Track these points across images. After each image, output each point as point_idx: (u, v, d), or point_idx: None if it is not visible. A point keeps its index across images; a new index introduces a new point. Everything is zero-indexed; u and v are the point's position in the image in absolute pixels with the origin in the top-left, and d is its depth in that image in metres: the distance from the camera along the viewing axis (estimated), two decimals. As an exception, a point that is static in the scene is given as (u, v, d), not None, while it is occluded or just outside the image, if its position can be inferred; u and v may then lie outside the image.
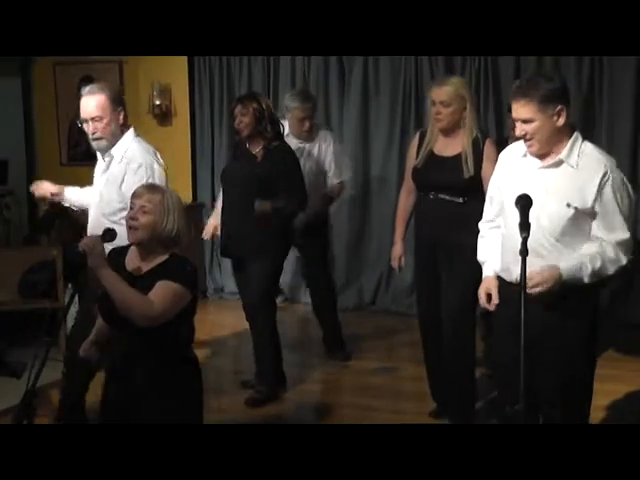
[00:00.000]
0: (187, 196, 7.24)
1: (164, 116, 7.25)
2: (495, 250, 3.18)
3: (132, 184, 3.56)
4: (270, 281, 4.61)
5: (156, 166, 3.94)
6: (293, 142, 5.10)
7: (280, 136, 4.65)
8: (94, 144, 3.87)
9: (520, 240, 2.68)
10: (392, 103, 6.63)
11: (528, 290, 2.70)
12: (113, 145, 3.87)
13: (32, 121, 7.50)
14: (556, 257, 2.97)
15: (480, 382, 4.43)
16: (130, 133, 3.96)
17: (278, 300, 5.15)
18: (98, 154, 3.98)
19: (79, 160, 6.98)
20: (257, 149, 4.57)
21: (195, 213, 7.18)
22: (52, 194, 4.07)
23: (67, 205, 4.18)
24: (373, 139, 6.74)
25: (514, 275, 2.96)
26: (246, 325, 4.78)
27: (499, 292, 3.11)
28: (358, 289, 6.83)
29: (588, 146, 3.02)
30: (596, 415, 3.53)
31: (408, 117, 6.57)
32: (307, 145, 5.24)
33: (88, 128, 3.82)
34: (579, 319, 3.06)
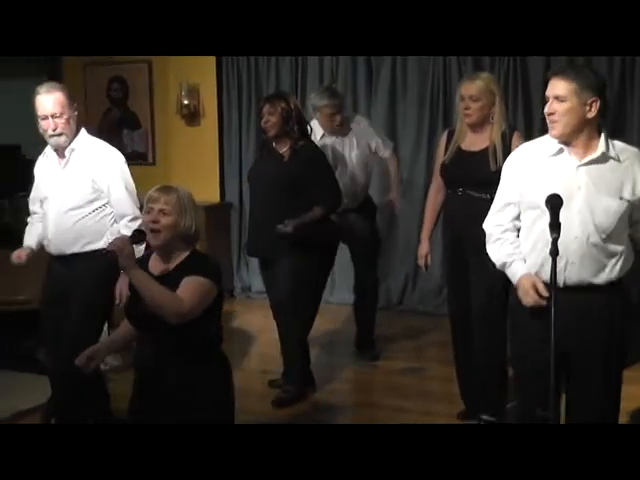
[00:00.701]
0: (214, 196, 7.27)
1: (192, 116, 7.28)
2: (519, 250, 3.10)
3: (113, 174, 3.89)
4: (297, 280, 4.59)
5: (121, 155, 4.05)
6: (330, 140, 5.11)
7: (307, 136, 4.65)
8: (53, 140, 3.89)
9: (572, 240, 2.72)
10: (420, 104, 6.60)
11: None
12: (71, 142, 3.91)
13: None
14: (607, 255, 2.93)
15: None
16: (84, 130, 4.02)
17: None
18: (50, 152, 3.99)
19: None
20: (284, 149, 4.56)
21: (223, 212, 7.22)
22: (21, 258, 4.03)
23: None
24: (401, 140, 6.70)
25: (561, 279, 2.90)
26: (274, 324, 4.78)
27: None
28: (386, 289, 6.79)
29: (616, 142, 3.01)
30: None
31: (436, 118, 6.54)
32: (346, 138, 5.24)
33: (48, 125, 3.85)
34: (617, 317, 3.01)
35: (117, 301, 3.79)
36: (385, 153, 5.41)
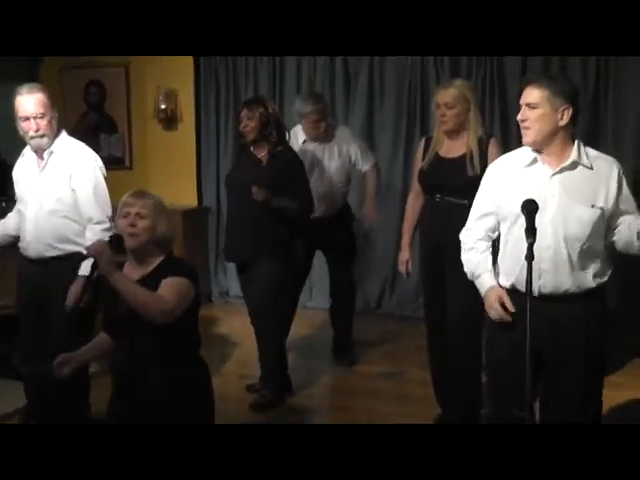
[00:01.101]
0: (192, 200, 7.26)
1: (170, 120, 7.26)
2: (489, 260, 3.15)
3: (87, 177, 3.89)
4: (274, 285, 4.60)
5: (98, 158, 4.05)
6: (312, 146, 5.12)
7: (285, 141, 4.66)
8: (34, 142, 3.88)
9: (545, 248, 2.78)
10: (397, 110, 6.64)
11: None
12: (52, 143, 3.91)
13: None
14: (582, 263, 2.97)
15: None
16: (64, 132, 4.02)
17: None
18: (28, 153, 3.98)
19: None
20: (262, 153, 4.58)
21: (200, 217, 7.21)
22: None
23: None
24: (378, 146, 6.72)
25: (536, 287, 2.93)
26: (252, 329, 4.79)
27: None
28: (363, 293, 6.81)
29: (591, 150, 3.05)
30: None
31: (413, 124, 6.58)
32: (327, 145, 5.23)
33: (29, 126, 3.84)
34: (594, 325, 3.05)
35: (68, 302, 3.77)
36: (364, 167, 5.36)
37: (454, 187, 4.05)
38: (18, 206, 4.07)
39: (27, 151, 4.00)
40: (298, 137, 5.15)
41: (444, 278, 4.13)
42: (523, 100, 3.00)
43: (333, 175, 5.19)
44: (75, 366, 2.99)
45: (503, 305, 3.04)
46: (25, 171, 4.00)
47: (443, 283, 4.15)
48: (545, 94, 2.93)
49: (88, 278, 2.91)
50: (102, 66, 7.27)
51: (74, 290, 3.72)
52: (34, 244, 3.92)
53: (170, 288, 2.83)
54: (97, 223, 3.90)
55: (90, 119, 7.52)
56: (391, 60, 6.60)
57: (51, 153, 3.92)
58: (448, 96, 4.08)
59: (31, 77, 7.32)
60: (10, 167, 4.19)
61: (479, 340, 4.14)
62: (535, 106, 2.95)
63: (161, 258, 2.95)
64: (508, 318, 3.03)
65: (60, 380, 3.00)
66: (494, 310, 3.06)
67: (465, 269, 3.24)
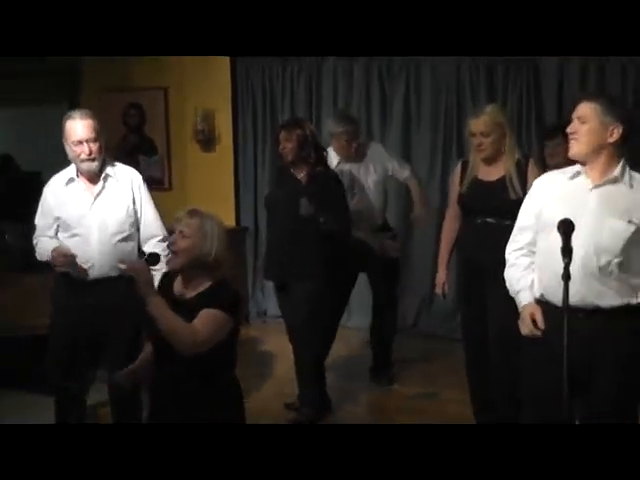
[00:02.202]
0: (230, 220, 7.33)
1: (208, 142, 7.35)
2: (529, 278, 3.18)
3: (145, 197, 4.07)
4: (313, 304, 4.65)
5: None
6: (347, 166, 5.17)
7: (324, 161, 4.72)
8: (86, 165, 3.94)
9: (577, 259, 2.77)
10: (434, 128, 6.67)
11: None
12: (100, 167, 3.98)
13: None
14: (616, 278, 2.98)
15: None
16: (108, 157, 4.11)
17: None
18: (77, 180, 4.01)
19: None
20: (301, 174, 4.64)
21: (238, 237, 7.28)
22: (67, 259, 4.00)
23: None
24: (415, 166, 6.72)
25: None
26: (289, 347, 4.83)
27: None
28: (400, 311, 6.81)
29: (635, 173, 3.08)
30: None
31: (450, 144, 6.61)
32: (362, 164, 5.28)
33: (82, 149, 3.91)
34: (628, 340, 3.04)
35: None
36: (403, 174, 5.43)
37: (495, 210, 4.08)
38: (71, 229, 4.02)
39: (72, 174, 4.02)
40: (331, 158, 5.19)
41: (484, 298, 4.15)
42: (575, 114, 3.06)
43: (371, 192, 5.23)
44: (137, 377, 3.04)
45: (534, 321, 3.07)
46: (75, 196, 4.02)
47: (484, 302, 4.16)
48: (596, 110, 2.99)
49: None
50: (141, 89, 7.41)
51: None
52: (99, 266, 3.97)
53: (205, 320, 2.80)
54: (161, 240, 4.02)
55: (130, 141, 7.64)
56: (427, 80, 6.66)
57: (108, 177, 4.01)
58: (482, 125, 4.13)
59: (71, 100, 7.50)
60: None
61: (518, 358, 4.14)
62: (584, 120, 3.01)
63: (208, 284, 2.91)
64: (538, 333, 3.06)
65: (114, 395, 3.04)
66: (524, 325, 3.11)
67: (507, 285, 3.28)
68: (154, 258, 3.01)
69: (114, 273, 3.90)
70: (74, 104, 7.43)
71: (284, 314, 4.89)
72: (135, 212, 4.05)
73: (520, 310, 3.18)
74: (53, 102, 7.61)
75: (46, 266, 4.10)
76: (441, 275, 4.49)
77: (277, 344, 5.76)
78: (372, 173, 5.29)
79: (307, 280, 4.59)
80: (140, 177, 4.15)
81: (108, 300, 3.95)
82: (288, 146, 4.60)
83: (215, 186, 7.34)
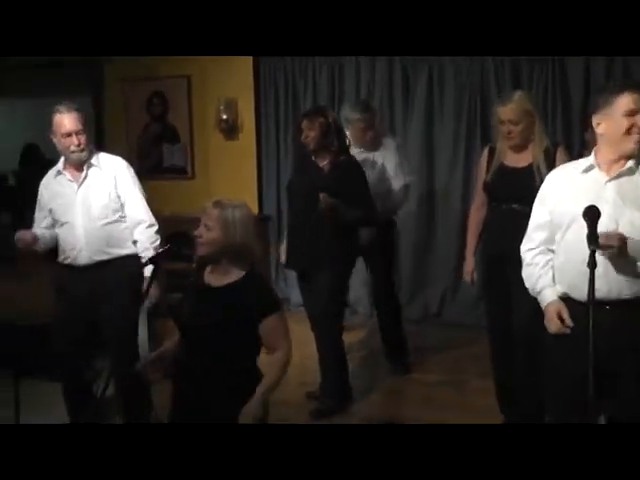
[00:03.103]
0: (253, 209, 7.32)
1: (230, 130, 7.36)
2: (549, 275, 3.14)
3: (128, 183, 4.16)
4: (335, 293, 4.64)
5: (130, 165, 4.30)
6: (356, 152, 5.12)
7: (347, 149, 4.69)
8: (75, 156, 4.06)
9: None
10: (457, 116, 6.62)
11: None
12: (89, 157, 4.10)
13: (103, 138, 7.72)
14: (631, 270, 2.92)
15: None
16: (94, 147, 4.22)
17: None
18: (63, 172, 4.14)
19: (148, 173, 7.15)
20: (324, 162, 4.62)
21: (261, 226, 7.27)
22: (27, 240, 4.12)
23: (43, 247, 4.23)
24: (438, 153, 6.74)
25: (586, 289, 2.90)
26: (312, 336, 4.82)
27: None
28: (424, 301, 6.82)
29: None
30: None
31: (474, 130, 6.56)
32: (372, 155, 5.23)
33: (72, 141, 4.02)
34: None
35: (149, 302, 4.06)
36: (395, 185, 5.24)
37: (521, 196, 4.02)
38: (58, 218, 4.17)
39: (60, 167, 4.17)
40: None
41: (509, 286, 4.11)
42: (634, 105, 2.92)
43: (374, 183, 5.05)
44: (157, 368, 3.08)
45: (561, 318, 3.04)
46: (62, 186, 4.16)
47: (508, 291, 4.12)
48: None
49: (152, 278, 3.27)
50: (164, 78, 7.42)
51: (153, 292, 3.84)
52: (86, 252, 4.09)
53: (277, 334, 2.95)
54: (149, 226, 4.16)
55: (153, 130, 7.65)
56: (450, 67, 6.60)
57: (91, 165, 4.12)
58: (511, 113, 4.07)
59: (95, 90, 7.54)
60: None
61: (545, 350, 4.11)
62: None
63: (241, 274, 2.95)
64: (566, 331, 3.03)
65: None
66: (553, 324, 3.07)
67: (526, 284, 3.23)
68: (166, 253, 3.10)
69: (103, 257, 4.07)
70: (96, 94, 7.49)
71: (306, 303, 4.88)
72: (118, 197, 4.12)
73: (543, 308, 3.13)
74: (77, 92, 7.64)
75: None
76: (469, 263, 4.46)
77: (300, 333, 5.71)
78: (376, 167, 5.20)
79: (327, 269, 4.57)
80: (125, 165, 4.24)
81: (99, 285, 4.06)
82: (310, 134, 4.58)
83: (238, 175, 7.34)
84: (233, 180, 7.27)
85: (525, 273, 3.24)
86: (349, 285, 5.17)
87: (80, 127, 4.04)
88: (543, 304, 3.14)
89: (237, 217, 2.95)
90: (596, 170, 3.01)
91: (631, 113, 2.90)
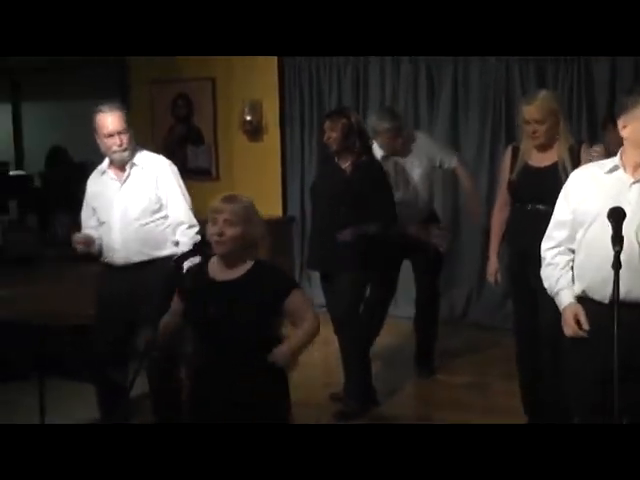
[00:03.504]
0: (277, 210, 7.36)
1: (255, 132, 7.38)
2: (569, 276, 3.11)
3: (172, 185, 4.10)
4: (357, 295, 4.63)
5: (175, 167, 4.24)
6: (392, 159, 5.11)
7: (369, 151, 4.69)
8: (118, 156, 4.04)
9: (624, 253, 2.67)
10: (482, 117, 6.61)
11: None
12: (131, 157, 4.07)
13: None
14: None
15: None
16: (138, 146, 4.18)
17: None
18: (106, 171, 4.13)
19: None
20: (346, 163, 4.61)
21: (285, 226, 7.29)
22: (86, 244, 4.13)
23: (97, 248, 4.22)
24: (463, 154, 6.70)
25: (608, 293, 2.88)
26: (335, 337, 4.81)
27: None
28: (449, 302, 6.80)
29: None
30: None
31: (498, 133, 6.53)
32: (406, 158, 5.21)
33: (114, 141, 4.00)
34: None
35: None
36: (451, 163, 5.36)
37: (546, 196, 3.99)
38: (100, 217, 4.17)
39: (105, 167, 4.15)
40: (376, 153, 5.10)
41: (536, 287, 4.08)
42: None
43: (417, 185, 5.16)
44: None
45: (578, 322, 3.02)
46: (105, 185, 4.15)
47: (534, 292, 4.09)
48: None
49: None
50: (189, 80, 7.45)
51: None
52: (123, 252, 4.07)
53: (305, 306, 2.97)
54: (190, 227, 4.10)
55: (178, 131, 7.71)
56: (475, 68, 6.58)
57: (133, 165, 4.09)
58: (536, 112, 4.03)
59: (121, 92, 7.58)
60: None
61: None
62: None
63: (251, 263, 2.95)
64: (583, 334, 3.01)
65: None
66: (569, 327, 3.06)
67: (545, 284, 3.21)
68: (200, 247, 3.05)
69: (142, 258, 4.03)
70: (122, 96, 7.53)
71: (328, 304, 4.85)
72: (159, 198, 4.08)
73: (561, 310, 3.11)
74: (103, 94, 7.69)
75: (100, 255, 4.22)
76: (492, 263, 4.43)
77: (325, 333, 5.71)
78: (417, 166, 5.20)
79: (349, 270, 4.56)
80: (167, 164, 4.19)
81: (139, 286, 4.02)
82: (333, 135, 4.57)
83: (262, 176, 7.36)
84: (257, 181, 7.28)
85: (544, 273, 3.22)
86: (393, 287, 5.22)
87: (122, 127, 4.01)
88: (561, 306, 3.12)
89: (253, 208, 2.98)
90: (621, 171, 2.99)
91: None
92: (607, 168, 3.02)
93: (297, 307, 2.94)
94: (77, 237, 4.11)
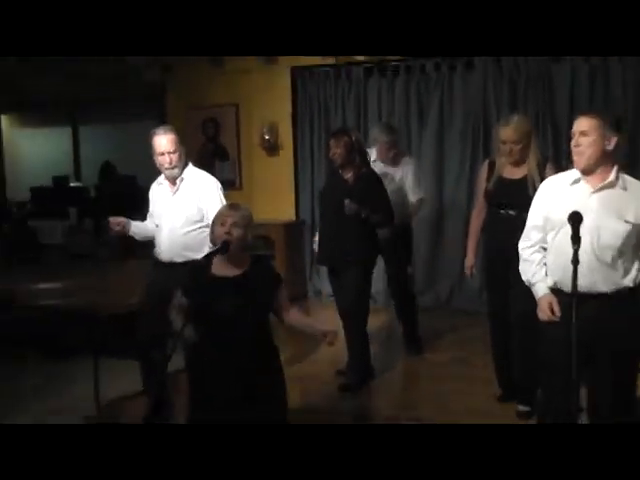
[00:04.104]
0: (290, 214, 7.37)
1: (272, 148, 7.41)
2: (543, 271, 3.12)
3: (213, 199, 4.05)
4: (361, 288, 4.64)
5: (218, 183, 4.20)
6: (379, 166, 5.13)
7: (368, 164, 4.70)
8: (168, 172, 4.06)
9: (583, 254, 2.70)
10: (463, 138, 6.63)
11: None
12: (181, 172, 4.08)
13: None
14: (616, 268, 2.93)
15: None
16: (190, 163, 4.18)
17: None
18: (162, 181, 4.15)
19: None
20: (348, 175, 4.63)
21: (297, 228, 7.30)
22: (121, 225, 4.15)
23: (131, 235, 4.25)
24: (447, 165, 6.74)
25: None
26: (341, 322, 4.81)
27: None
28: (435, 292, 6.81)
29: (626, 176, 3.01)
30: None
31: (477, 150, 6.55)
32: (392, 170, 5.24)
33: (165, 160, 4.01)
34: (629, 322, 2.98)
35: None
36: (413, 198, 5.27)
37: (516, 204, 4.00)
38: (155, 221, 4.24)
39: (161, 179, 4.19)
40: (371, 156, 5.10)
41: (507, 280, 4.08)
42: (576, 128, 2.96)
43: (392, 194, 4.97)
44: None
45: (552, 309, 3.04)
46: (160, 195, 4.19)
47: (506, 284, 4.08)
48: (595, 124, 2.90)
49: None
50: (216, 106, 7.48)
51: None
52: (167, 252, 4.10)
53: (286, 297, 3.05)
54: None
55: (207, 149, 7.73)
56: (458, 93, 6.62)
57: (182, 180, 4.11)
58: (513, 134, 4.02)
59: (160, 117, 7.60)
60: (145, 189, 4.36)
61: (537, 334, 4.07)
62: (587, 133, 2.92)
63: (249, 260, 3.03)
64: (555, 319, 3.03)
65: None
66: (544, 313, 3.08)
67: (523, 277, 3.23)
68: (227, 246, 3.05)
69: (180, 259, 4.01)
70: (162, 119, 7.56)
71: (336, 295, 4.87)
72: (200, 210, 4.07)
73: (537, 299, 3.13)
74: (146, 118, 7.74)
75: (141, 253, 4.21)
76: (469, 259, 4.43)
77: (332, 318, 5.76)
78: (396, 180, 5.21)
79: (353, 266, 4.58)
80: (212, 182, 4.17)
81: (175, 282, 3.97)
82: (337, 152, 4.59)
83: (278, 186, 7.38)
84: (274, 190, 7.33)
85: (522, 267, 3.23)
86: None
87: (173, 148, 3.99)
88: (537, 296, 3.14)
89: (252, 215, 3.07)
90: (582, 182, 3.00)
91: (583, 134, 2.92)
92: (570, 180, 3.03)
93: (283, 297, 3.05)
94: (113, 219, 4.14)
